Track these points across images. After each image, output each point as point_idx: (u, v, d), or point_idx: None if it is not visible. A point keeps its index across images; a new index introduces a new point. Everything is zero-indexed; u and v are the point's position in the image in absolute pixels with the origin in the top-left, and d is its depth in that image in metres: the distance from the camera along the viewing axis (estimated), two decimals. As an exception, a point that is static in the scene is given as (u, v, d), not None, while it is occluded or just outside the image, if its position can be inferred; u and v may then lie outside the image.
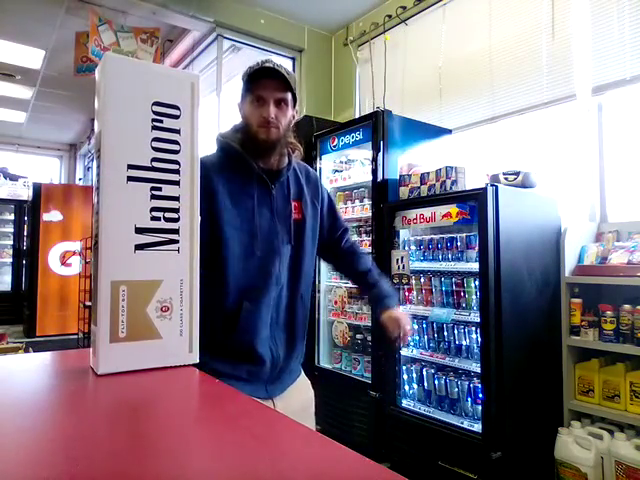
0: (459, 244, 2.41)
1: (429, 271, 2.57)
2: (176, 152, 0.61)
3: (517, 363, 2.16)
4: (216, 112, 3.79)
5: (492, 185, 2.16)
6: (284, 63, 1.49)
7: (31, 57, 4.90)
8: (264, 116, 1.16)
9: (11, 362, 0.68)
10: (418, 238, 2.67)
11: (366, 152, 2.97)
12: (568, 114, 2.65)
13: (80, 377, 0.56)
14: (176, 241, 0.61)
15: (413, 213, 2.56)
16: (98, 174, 0.58)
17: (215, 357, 1.07)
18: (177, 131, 0.61)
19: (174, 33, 4.42)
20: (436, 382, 2.45)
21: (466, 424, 2.23)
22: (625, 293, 2.09)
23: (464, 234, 2.41)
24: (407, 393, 2.62)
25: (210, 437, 0.40)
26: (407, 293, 2.64)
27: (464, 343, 2.37)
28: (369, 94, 3.82)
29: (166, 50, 4.59)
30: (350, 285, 3.04)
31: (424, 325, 2.57)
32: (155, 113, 0.60)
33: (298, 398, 1.29)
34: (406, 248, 2.68)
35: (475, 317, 2.21)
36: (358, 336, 2.99)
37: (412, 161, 2.87)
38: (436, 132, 3.14)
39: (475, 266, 2.20)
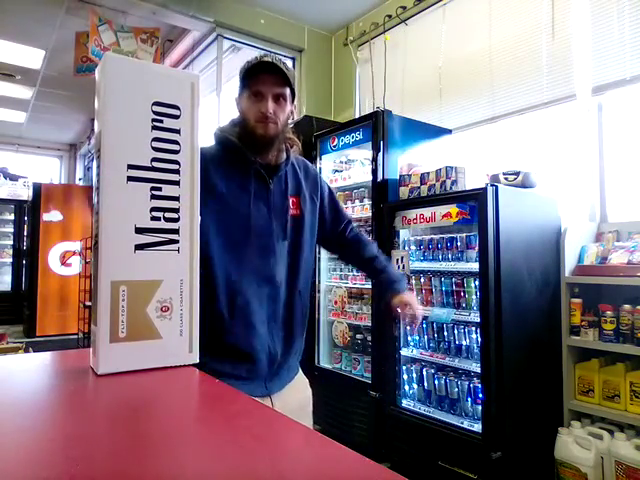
0: (459, 244, 2.41)
1: (429, 271, 2.57)
2: (176, 152, 0.61)
3: (517, 363, 2.16)
4: (216, 112, 3.79)
5: (492, 185, 2.16)
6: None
7: (31, 57, 4.90)
8: (262, 111, 1.15)
9: (11, 362, 0.68)
10: (418, 238, 2.67)
11: (366, 152, 2.97)
12: (568, 114, 2.65)
13: (80, 377, 0.56)
14: (176, 241, 0.61)
15: (413, 213, 2.56)
16: (98, 174, 0.57)
17: (214, 357, 1.06)
18: (177, 131, 0.61)
19: (174, 33, 4.43)
20: (436, 382, 2.45)
21: (466, 424, 2.23)
22: (625, 293, 2.09)
23: (464, 234, 2.41)
24: (407, 393, 2.62)
25: (210, 437, 0.40)
26: (407, 293, 2.64)
27: (464, 343, 2.37)
28: (369, 94, 3.82)
29: (166, 50, 4.59)
30: (350, 285, 3.04)
31: (424, 325, 2.57)
32: (155, 113, 0.60)
33: (296, 397, 1.28)
34: (406, 248, 2.68)
35: (475, 317, 2.21)
36: (358, 336, 2.99)
37: (412, 161, 2.87)
38: (436, 132, 3.14)
39: (475, 266, 2.20)
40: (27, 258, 6.98)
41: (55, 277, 6.48)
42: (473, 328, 2.32)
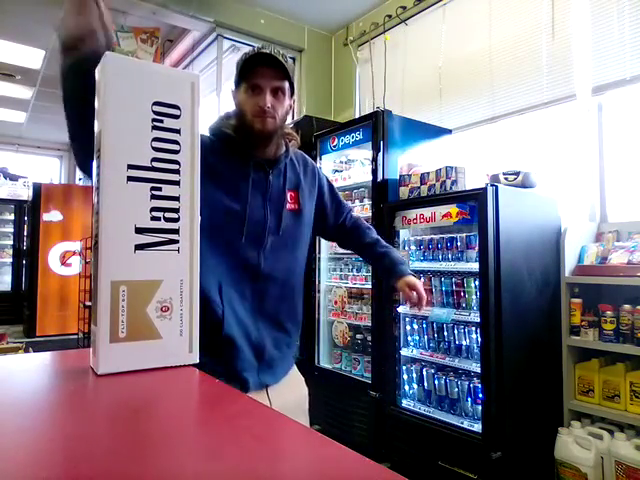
0: (459, 244, 2.41)
1: (429, 271, 2.57)
2: (176, 152, 0.61)
3: (517, 363, 2.16)
4: (216, 112, 3.79)
5: (492, 185, 2.17)
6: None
7: (31, 57, 4.90)
8: (260, 105, 1.11)
9: (11, 362, 0.68)
10: (418, 238, 2.67)
11: (366, 152, 2.97)
12: (568, 114, 2.66)
13: (80, 377, 0.56)
14: (176, 241, 0.61)
15: (413, 213, 2.56)
16: (98, 174, 0.57)
17: (207, 355, 1.05)
18: (177, 131, 0.61)
19: (174, 33, 4.43)
20: (436, 382, 2.45)
21: (466, 424, 2.23)
22: (625, 293, 2.09)
23: (464, 234, 2.41)
24: (407, 393, 2.62)
25: (210, 437, 0.40)
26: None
27: (464, 343, 2.37)
28: (369, 94, 3.82)
29: (166, 50, 4.59)
30: (350, 285, 3.04)
31: (424, 325, 2.57)
32: (155, 113, 0.60)
33: (293, 394, 1.26)
34: (406, 248, 2.68)
35: (475, 317, 2.21)
36: (358, 336, 2.99)
37: (412, 161, 2.87)
38: (436, 132, 3.15)
39: (475, 266, 2.20)
40: (27, 258, 6.98)
41: (55, 277, 6.48)
42: (473, 328, 2.32)
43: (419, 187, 2.64)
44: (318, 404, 2.98)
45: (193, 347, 0.62)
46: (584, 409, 2.15)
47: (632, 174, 2.45)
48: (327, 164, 3.34)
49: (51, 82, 5.39)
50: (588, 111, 2.56)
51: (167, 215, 0.60)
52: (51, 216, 6.57)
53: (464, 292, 2.36)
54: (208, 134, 1.20)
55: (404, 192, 2.72)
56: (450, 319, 2.35)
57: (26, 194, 7.55)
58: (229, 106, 1.26)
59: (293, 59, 4.28)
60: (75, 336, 5.83)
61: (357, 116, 3.80)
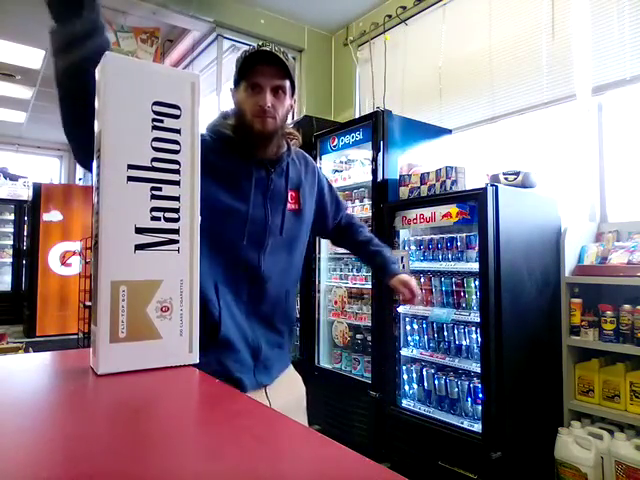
0: (459, 244, 2.41)
1: (429, 271, 2.57)
2: (176, 152, 0.61)
3: (517, 363, 2.16)
4: (216, 112, 3.79)
5: (492, 185, 2.17)
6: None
7: (31, 57, 4.90)
8: (260, 105, 1.08)
9: (11, 362, 0.68)
10: (418, 238, 2.67)
11: (366, 152, 2.97)
12: (568, 114, 2.66)
13: (80, 377, 0.56)
14: (176, 241, 0.61)
15: (413, 213, 2.56)
16: (98, 174, 0.57)
17: (204, 355, 1.04)
18: (177, 131, 0.61)
19: (174, 33, 4.43)
20: (436, 382, 2.45)
21: (466, 424, 2.23)
22: (625, 293, 2.09)
23: (464, 234, 2.41)
24: (407, 393, 2.62)
25: (210, 437, 0.40)
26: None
27: (464, 343, 2.37)
28: (369, 94, 3.82)
29: (166, 50, 4.59)
30: (350, 285, 3.04)
31: (424, 325, 2.57)
32: (155, 113, 0.60)
33: (292, 395, 1.26)
34: (406, 248, 2.68)
35: (475, 317, 2.21)
36: (358, 336, 2.99)
37: (412, 161, 2.87)
38: (436, 132, 3.15)
39: (475, 266, 2.20)
40: (27, 258, 6.98)
41: (55, 277, 6.48)
42: (473, 328, 2.32)
43: (419, 187, 2.64)
44: (318, 404, 2.98)
45: (193, 347, 0.62)
46: (584, 409, 2.15)
47: (632, 174, 2.45)
48: (327, 164, 3.34)
49: (51, 82, 5.32)
50: (588, 111, 2.56)
51: (167, 215, 0.60)
52: (51, 216, 6.57)
53: (464, 292, 2.36)
54: (206, 132, 1.18)
55: (404, 192, 2.72)
56: (450, 319, 2.35)
57: (26, 194, 7.56)
58: (229, 106, 1.24)
59: (293, 59, 4.28)
60: (75, 336, 5.83)
61: (357, 116, 3.80)
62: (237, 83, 1.14)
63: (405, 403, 2.58)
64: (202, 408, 0.51)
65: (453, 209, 2.34)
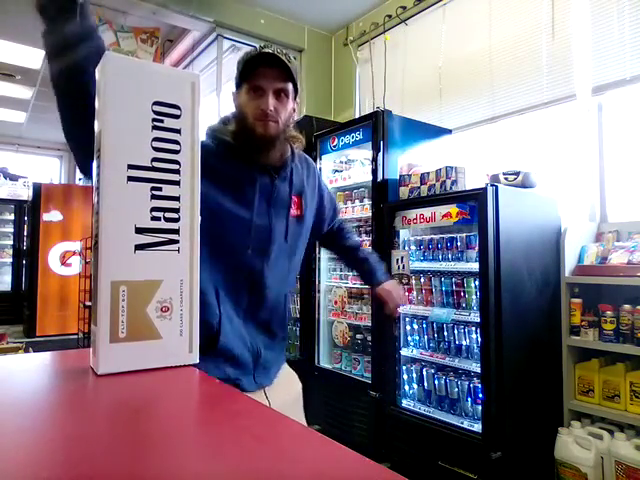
0: (459, 244, 2.42)
1: (429, 271, 2.57)
2: (176, 152, 0.61)
3: (517, 363, 2.16)
4: (216, 112, 3.79)
5: (492, 185, 2.17)
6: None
7: (31, 57, 4.90)
8: (262, 108, 1.05)
9: (11, 362, 0.68)
10: (418, 238, 2.67)
11: (366, 152, 2.97)
12: (568, 114, 2.66)
13: (80, 377, 0.56)
14: (176, 241, 0.61)
15: (413, 213, 2.56)
16: (98, 174, 0.57)
17: (204, 360, 1.04)
18: (178, 131, 0.61)
19: (174, 33, 4.43)
20: (436, 382, 2.45)
21: (466, 424, 2.23)
22: (625, 293, 2.09)
23: (464, 234, 2.41)
24: (407, 393, 2.62)
25: (210, 437, 0.40)
26: (407, 293, 2.64)
27: (464, 343, 2.37)
28: (369, 94, 3.82)
29: (166, 50, 4.59)
30: (350, 285, 3.04)
31: (424, 325, 2.57)
32: (155, 113, 0.59)
33: (289, 394, 1.26)
34: (406, 248, 2.68)
35: (475, 317, 2.21)
36: (358, 336, 2.99)
37: (412, 161, 2.87)
38: (436, 132, 3.15)
39: (475, 266, 2.20)
40: (27, 258, 6.98)
41: (55, 277, 6.48)
42: (473, 328, 2.32)
43: (419, 187, 2.64)
44: (318, 404, 2.98)
45: (193, 347, 0.62)
46: (584, 409, 2.15)
47: (632, 174, 2.45)
48: (327, 164, 3.34)
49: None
50: (588, 111, 2.56)
51: (167, 215, 0.60)
52: (51, 216, 6.57)
53: (464, 292, 2.36)
54: (206, 138, 1.16)
55: (404, 192, 2.72)
56: (450, 319, 2.35)
57: (26, 194, 7.55)
58: (229, 107, 1.23)
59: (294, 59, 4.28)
60: (75, 336, 5.83)
61: (357, 116, 3.80)
62: (238, 86, 1.12)
63: (405, 403, 2.58)
64: (202, 408, 0.51)
65: (453, 209, 2.34)
